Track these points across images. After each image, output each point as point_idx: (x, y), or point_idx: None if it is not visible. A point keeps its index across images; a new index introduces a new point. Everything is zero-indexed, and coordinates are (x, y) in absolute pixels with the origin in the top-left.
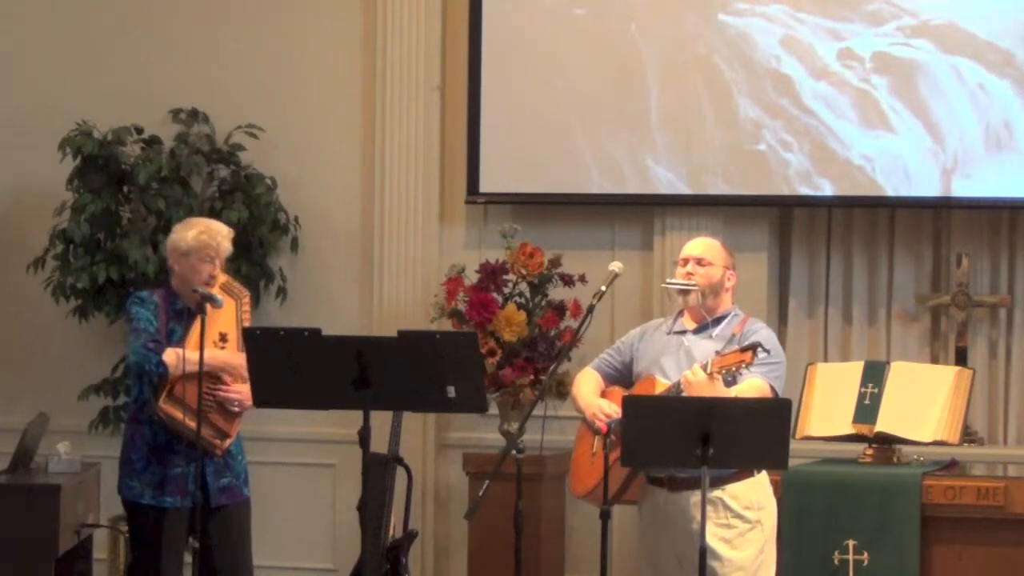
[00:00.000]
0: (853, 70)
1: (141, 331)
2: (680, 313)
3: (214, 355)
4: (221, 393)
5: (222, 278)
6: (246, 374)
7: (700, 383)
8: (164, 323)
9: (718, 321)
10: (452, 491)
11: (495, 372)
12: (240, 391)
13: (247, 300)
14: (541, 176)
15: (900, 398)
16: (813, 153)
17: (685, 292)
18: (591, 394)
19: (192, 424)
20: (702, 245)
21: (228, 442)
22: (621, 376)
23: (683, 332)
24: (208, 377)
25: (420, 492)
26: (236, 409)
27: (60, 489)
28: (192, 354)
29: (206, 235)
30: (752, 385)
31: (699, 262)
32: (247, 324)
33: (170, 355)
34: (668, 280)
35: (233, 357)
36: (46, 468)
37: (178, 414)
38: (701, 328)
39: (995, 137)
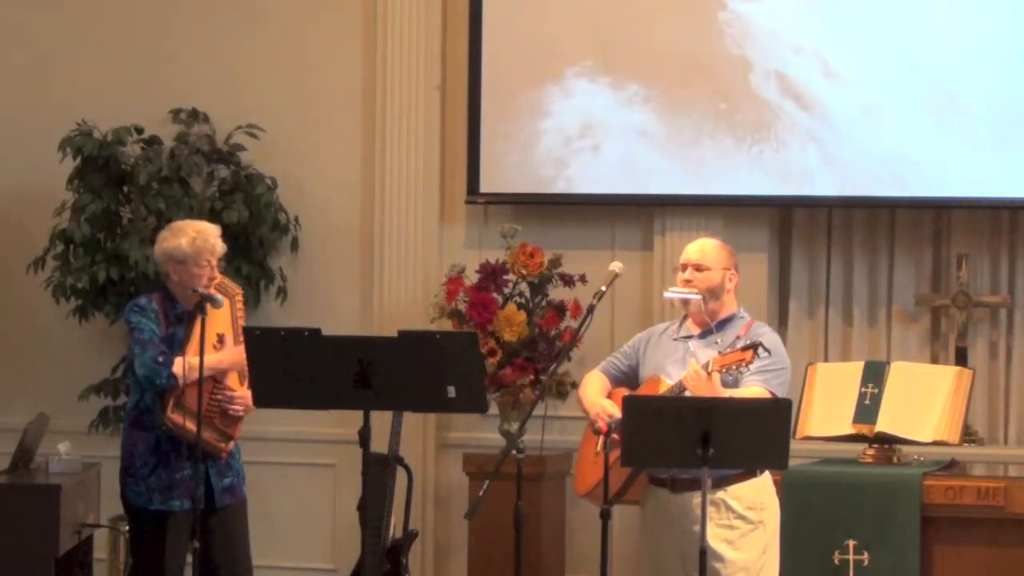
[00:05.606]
0: (853, 69)
1: (147, 342)
2: (685, 317)
3: (217, 359)
4: (227, 405)
5: (217, 277)
6: (247, 369)
7: (699, 380)
8: (165, 328)
9: (722, 325)
10: (452, 491)
11: (495, 372)
12: (244, 395)
13: (240, 297)
14: (541, 176)
15: (900, 398)
16: (813, 153)
17: (686, 301)
18: (595, 394)
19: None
20: (699, 249)
21: (231, 444)
22: (627, 379)
23: (688, 338)
24: (212, 383)
25: (420, 492)
26: (242, 414)
27: (60, 489)
28: (196, 359)
29: (200, 239)
30: (752, 393)
31: (697, 268)
32: (242, 321)
33: (178, 367)
34: (670, 290)
35: (231, 354)
36: (46, 468)
37: (185, 421)
38: (705, 333)
39: (995, 137)
